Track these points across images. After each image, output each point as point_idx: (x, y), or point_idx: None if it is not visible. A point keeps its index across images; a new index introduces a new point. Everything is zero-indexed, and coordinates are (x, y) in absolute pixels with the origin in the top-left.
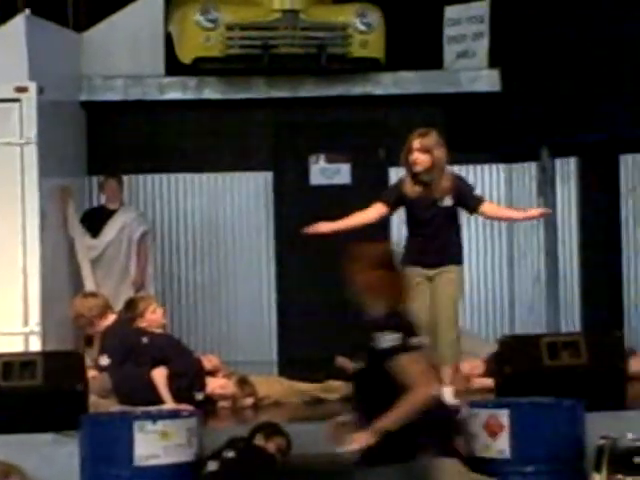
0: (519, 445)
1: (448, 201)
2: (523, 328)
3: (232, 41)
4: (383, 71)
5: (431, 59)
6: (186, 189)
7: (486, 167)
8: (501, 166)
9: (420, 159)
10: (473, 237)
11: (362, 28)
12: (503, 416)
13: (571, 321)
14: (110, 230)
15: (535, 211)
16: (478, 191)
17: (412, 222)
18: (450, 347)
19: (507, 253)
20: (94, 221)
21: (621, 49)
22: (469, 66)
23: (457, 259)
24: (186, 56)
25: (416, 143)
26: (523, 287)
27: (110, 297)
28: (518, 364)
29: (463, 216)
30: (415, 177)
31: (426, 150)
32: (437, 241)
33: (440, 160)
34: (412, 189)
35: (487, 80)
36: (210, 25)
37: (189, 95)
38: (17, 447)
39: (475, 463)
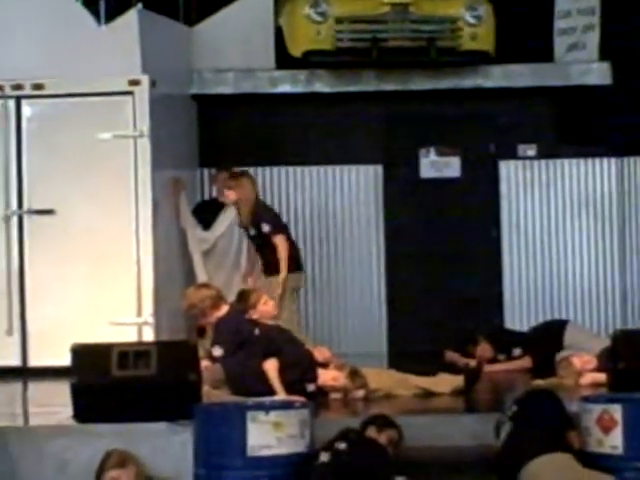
0: (633, 441)
1: None
2: (634, 323)
3: (342, 34)
4: (493, 64)
5: (541, 52)
6: (296, 182)
7: (597, 160)
8: (612, 159)
9: None
10: (585, 232)
11: (472, 21)
12: (616, 412)
13: None
14: (221, 223)
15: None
16: (590, 184)
17: None
18: None
19: (619, 248)
20: (206, 214)
21: None
22: (580, 59)
23: None
24: (296, 49)
25: None
26: (635, 282)
27: (222, 289)
28: (631, 360)
29: (573, 207)
30: None
31: None
32: None
33: None
34: None
35: (598, 73)
36: (320, 18)
37: (299, 88)
38: (130, 436)
39: (589, 458)
